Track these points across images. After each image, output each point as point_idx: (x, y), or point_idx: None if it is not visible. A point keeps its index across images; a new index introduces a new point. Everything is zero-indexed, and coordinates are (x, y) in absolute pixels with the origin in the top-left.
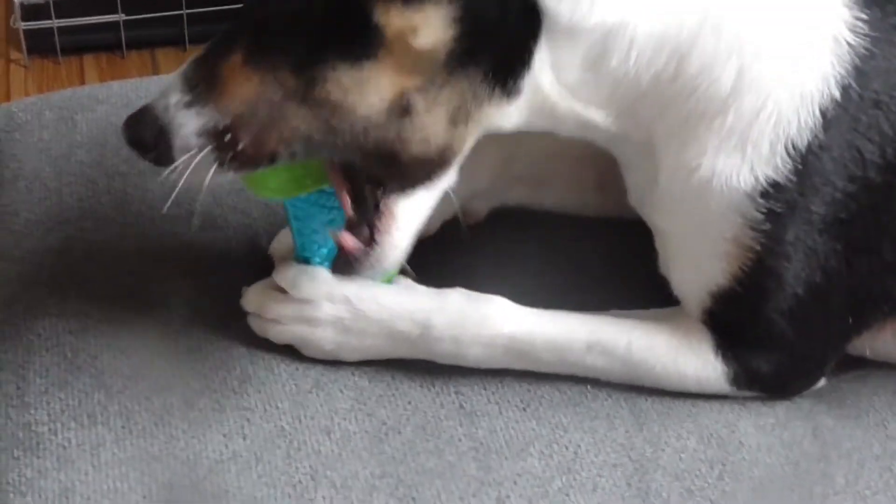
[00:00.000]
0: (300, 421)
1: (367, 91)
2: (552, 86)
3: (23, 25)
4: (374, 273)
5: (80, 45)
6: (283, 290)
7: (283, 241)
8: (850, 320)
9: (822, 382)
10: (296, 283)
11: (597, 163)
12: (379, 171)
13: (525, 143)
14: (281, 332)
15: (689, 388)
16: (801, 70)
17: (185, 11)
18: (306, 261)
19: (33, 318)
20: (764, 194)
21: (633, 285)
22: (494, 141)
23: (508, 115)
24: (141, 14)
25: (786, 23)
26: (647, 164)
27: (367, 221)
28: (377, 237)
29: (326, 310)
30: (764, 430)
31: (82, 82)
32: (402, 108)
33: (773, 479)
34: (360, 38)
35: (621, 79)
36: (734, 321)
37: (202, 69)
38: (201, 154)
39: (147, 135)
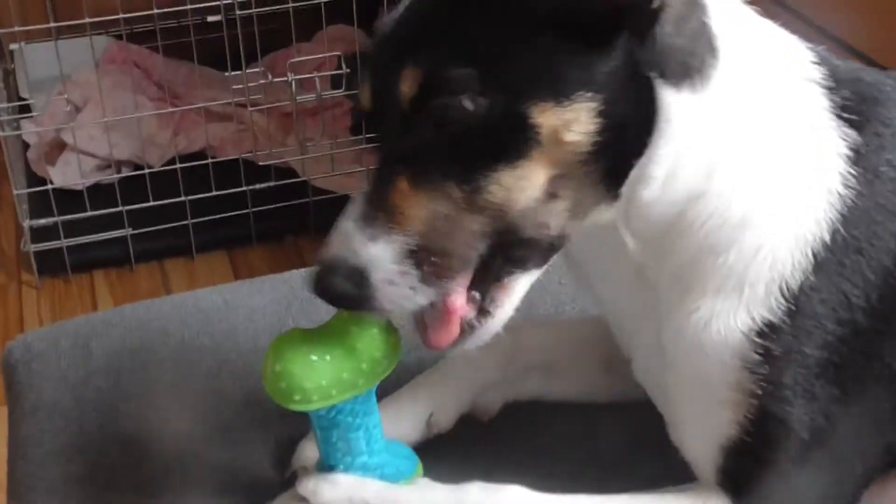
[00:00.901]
0: None
1: (525, 186)
2: (641, 197)
3: (33, 248)
4: (479, 341)
5: (89, 262)
6: (306, 501)
7: (305, 450)
8: (860, 469)
9: None
10: (317, 491)
11: (603, 343)
12: (519, 252)
13: (531, 332)
14: None
15: None
16: (798, 213)
17: (190, 221)
18: (331, 469)
19: None
20: (760, 334)
21: (649, 467)
22: (502, 332)
23: (603, 216)
24: (147, 227)
25: (789, 169)
26: (652, 319)
27: (483, 294)
28: (493, 309)
29: None
30: None
31: (93, 298)
32: (550, 196)
33: None
34: (516, 141)
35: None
36: (748, 475)
37: (373, 205)
38: (404, 278)
39: (346, 284)
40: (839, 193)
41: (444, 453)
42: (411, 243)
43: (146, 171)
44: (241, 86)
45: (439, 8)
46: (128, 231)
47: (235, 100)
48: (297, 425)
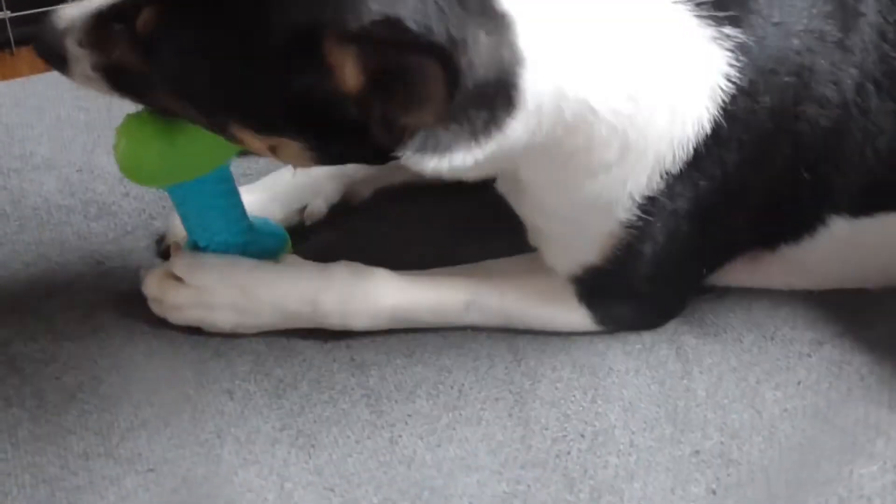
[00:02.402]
0: (203, 386)
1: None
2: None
3: None
4: None
5: None
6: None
7: (176, 225)
8: (704, 269)
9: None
10: (190, 271)
11: None
12: None
13: None
14: (181, 317)
15: (561, 330)
16: (681, 120)
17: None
18: (197, 245)
19: None
20: (640, 206)
21: (503, 235)
22: None
23: None
24: (28, 10)
25: (670, 79)
26: (515, 181)
27: None
28: None
29: (221, 294)
30: (631, 355)
31: None
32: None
33: (641, 397)
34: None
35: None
36: (599, 284)
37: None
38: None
39: (48, 45)
40: (722, 90)
41: (314, 241)
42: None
43: None
44: None
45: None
46: (6, 14)
47: None
48: (169, 200)
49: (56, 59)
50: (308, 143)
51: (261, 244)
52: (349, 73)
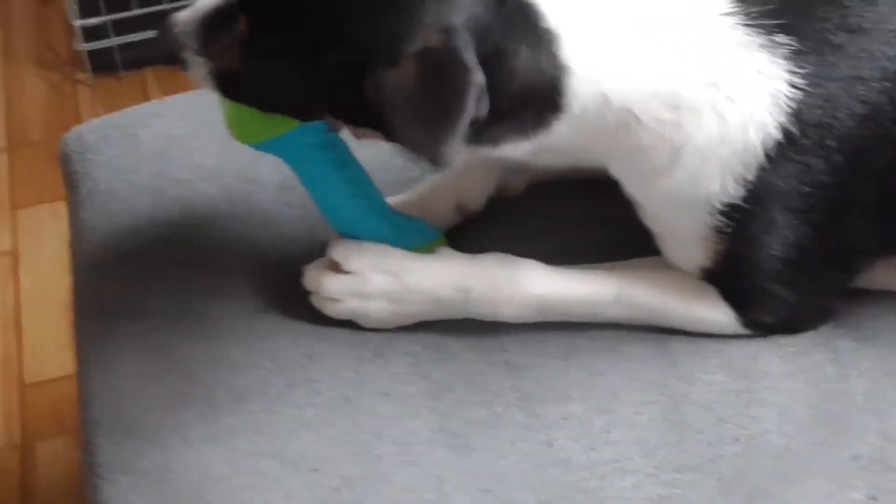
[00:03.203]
0: (362, 387)
1: None
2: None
3: (84, 47)
4: None
5: (140, 60)
6: (337, 268)
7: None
8: (839, 274)
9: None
10: (346, 254)
11: None
12: None
13: None
14: (338, 308)
15: (709, 331)
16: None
17: None
18: (341, 231)
19: (120, 319)
20: (723, 213)
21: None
22: None
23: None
24: None
25: (716, 86)
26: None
27: None
28: None
29: (375, 282)
30: (785, 358)
31: (145, 95)
32: None
33: (796, 401)
34: None
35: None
36: (728, 287)
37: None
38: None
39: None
40: (786, 96)
41: (467, 231)
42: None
43: None
44: None
45: None
46: None
47: None
48: None
49: (179, 62)
50: (385, 135)
51: (412, 239)
52: (408, 74)
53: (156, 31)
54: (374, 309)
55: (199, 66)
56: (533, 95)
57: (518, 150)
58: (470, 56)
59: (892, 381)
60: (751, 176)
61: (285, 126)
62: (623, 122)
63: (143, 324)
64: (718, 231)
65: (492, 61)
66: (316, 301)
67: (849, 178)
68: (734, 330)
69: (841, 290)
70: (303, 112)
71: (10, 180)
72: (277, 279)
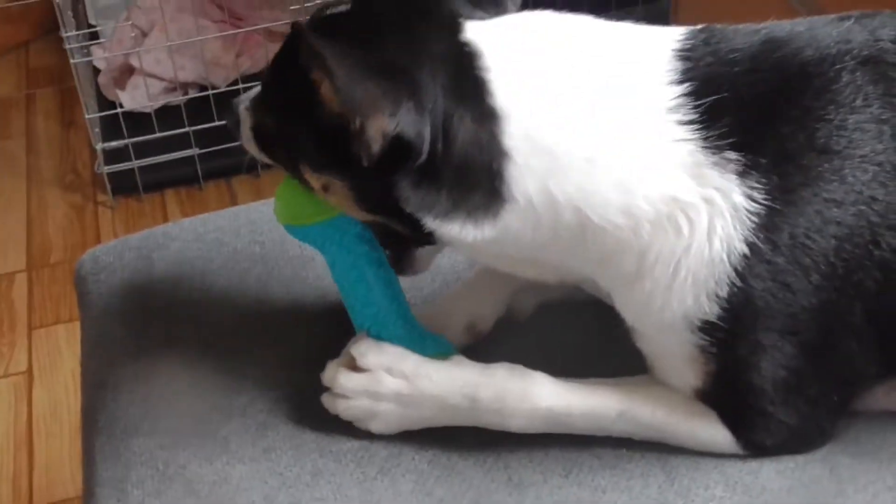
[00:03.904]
0: None
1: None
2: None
3: (106, 169)
4: None
5: (160, 181)
6: (355, 366)
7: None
8: (837, 397)
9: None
10: (363, 353)
11: None
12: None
13: None
14: (348, 408)
15: (710, 451)
16: (706, 237)
17: None
18: (362, 327)
19: (129, 438)
20: (703, 330)
21: None
22: None
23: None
24: (214, 147)
25: (669, 198)
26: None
27: None
28: None
29: (387, 384)
30: (784, 473)
31: (165, 216)
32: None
33: None
34: None
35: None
36: (724, 408)
37: None
38: None
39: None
40: (746, 209)
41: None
42: None
43: (211, 91)
44: (298, 6)
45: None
46: (195, 151)
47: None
48: (341, 323)
49: (232, 124)
50: (350, 184)
51: (430, 347)
52: (324, 92)
53: (175, 153)
54: (383, 411)
55: (246, 120)
56: (475, 174)
57: (469, 234)
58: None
59: (890, 496)
60: (723, 292)
61: (331, 212)
62: (579, 222)
63: (152, 444)
64: (704, 351)
65: (441, 124)
66: (328, 400)
67: (835, 300)
68: (734, 451)
69: (839, 413)
70: (286, 160)
71: (28, 300)
72: (287, 397)
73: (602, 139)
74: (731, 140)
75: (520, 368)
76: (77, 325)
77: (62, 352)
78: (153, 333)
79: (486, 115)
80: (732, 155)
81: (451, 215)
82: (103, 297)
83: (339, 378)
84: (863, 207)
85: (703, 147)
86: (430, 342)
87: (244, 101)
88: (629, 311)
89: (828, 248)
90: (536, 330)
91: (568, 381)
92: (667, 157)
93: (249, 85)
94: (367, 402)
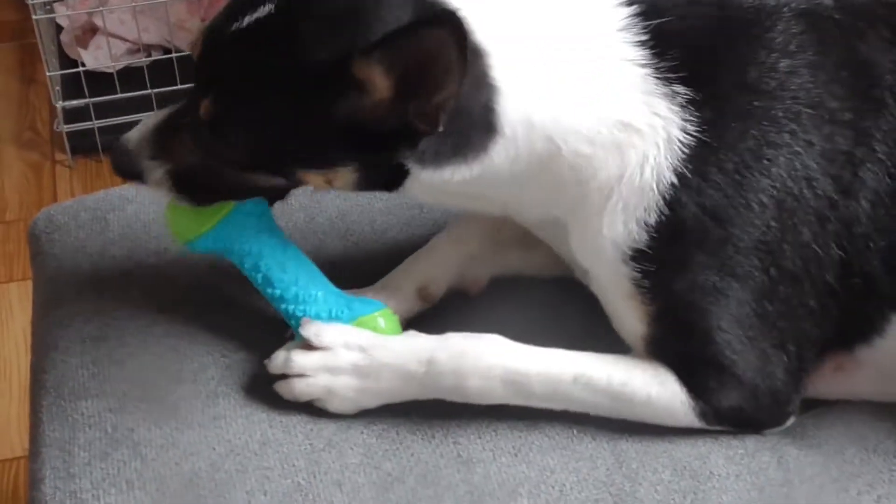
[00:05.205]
0: (315, 476)
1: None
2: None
3: (66, 128)
4: None
5: None
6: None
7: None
8: (787, 359)
9: (790, 421)
10: (318, 333)
11: None
12: None
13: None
14: (307, 386)
15: (665, 421)
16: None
17: None
18: (288, 312)
19: (77, 400)
20: (633, 259)
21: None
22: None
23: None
24: None
25: (621, 125)
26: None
27: None
28: None
29: (344, 357)
30: (733, 460)
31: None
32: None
33: (741, 503)
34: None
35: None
36: (673, 360)
37: (169, 121)
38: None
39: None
40: (679, 140)
41: (429, 323)
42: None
43: (175, 55)
44: None
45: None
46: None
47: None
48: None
49: (133, 176)
50: (358, 167)
51: (359, 307)
52: (379, 83)
53: (136, 115)
54: (343, 385)
55: (155, 171)
56: (474, 113)
57: (459, 174)
58: None
59: (833, 488)
60: (651, 220)
61: (220, 213)
62: (548, 152)
63: (100, 406)
64: (639, 286)
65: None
66: (282, 387)
67: (773, 244)
68: (690, 422)
69: (794, 382)
70: (280, 169)
71: None
72: (238, 364)
73: (569, 62)
74: (680, 74)
75: (474, 334)
76: (30, 284)
77: (14, 310)
78: (105, 295)
79: (476, 55)
80: (681, 88)
81: (450, 160)
82: (56, 258)
83: (294, 358)
84: (798, 149)
85: (655, 77)
86: (356, 304)
87: (141, 143)
88: (576, 244)
89: (760, 186)
90: (489, 308)
91: (525, 344)
92: (623, 80)
93: None
94: (326, 378)
